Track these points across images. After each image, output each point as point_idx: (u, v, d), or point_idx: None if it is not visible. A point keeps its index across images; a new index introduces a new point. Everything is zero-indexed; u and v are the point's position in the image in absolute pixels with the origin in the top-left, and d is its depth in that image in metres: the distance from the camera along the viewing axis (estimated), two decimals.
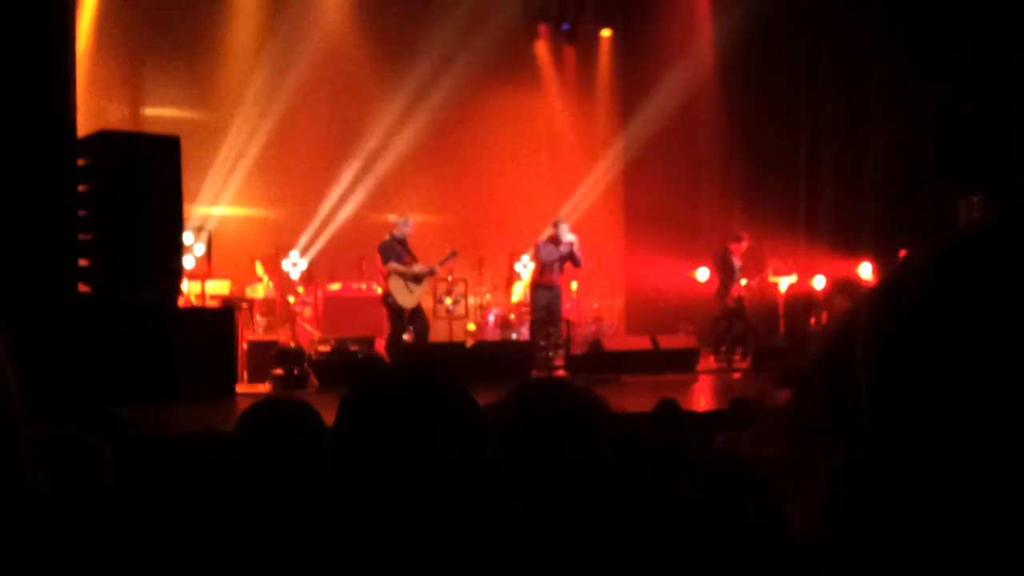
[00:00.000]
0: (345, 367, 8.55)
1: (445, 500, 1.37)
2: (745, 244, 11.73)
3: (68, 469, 2.38)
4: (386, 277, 10.17)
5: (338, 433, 1.50)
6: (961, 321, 0.62)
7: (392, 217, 10.96)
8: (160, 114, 11.89)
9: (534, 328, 10.83)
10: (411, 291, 10.27)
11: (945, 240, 0.66)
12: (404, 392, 1.48)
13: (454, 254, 10.74)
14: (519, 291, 12.73)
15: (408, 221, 10.59)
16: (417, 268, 10.31)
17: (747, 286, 11.66)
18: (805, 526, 0.73)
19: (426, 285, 10.57)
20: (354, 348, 9.04)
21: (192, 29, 12.15)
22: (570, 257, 10.91)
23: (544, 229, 12.88)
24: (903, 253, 9.68)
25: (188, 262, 9.42)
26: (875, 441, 0.66)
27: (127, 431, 3.07)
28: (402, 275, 10.24)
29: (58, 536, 0.79)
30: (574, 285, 11.48)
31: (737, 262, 11.63)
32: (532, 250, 11.32)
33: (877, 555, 0.67)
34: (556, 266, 10.92)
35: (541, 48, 14.81)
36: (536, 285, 11.07)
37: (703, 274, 12.98)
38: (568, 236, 10.84)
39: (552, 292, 10.92)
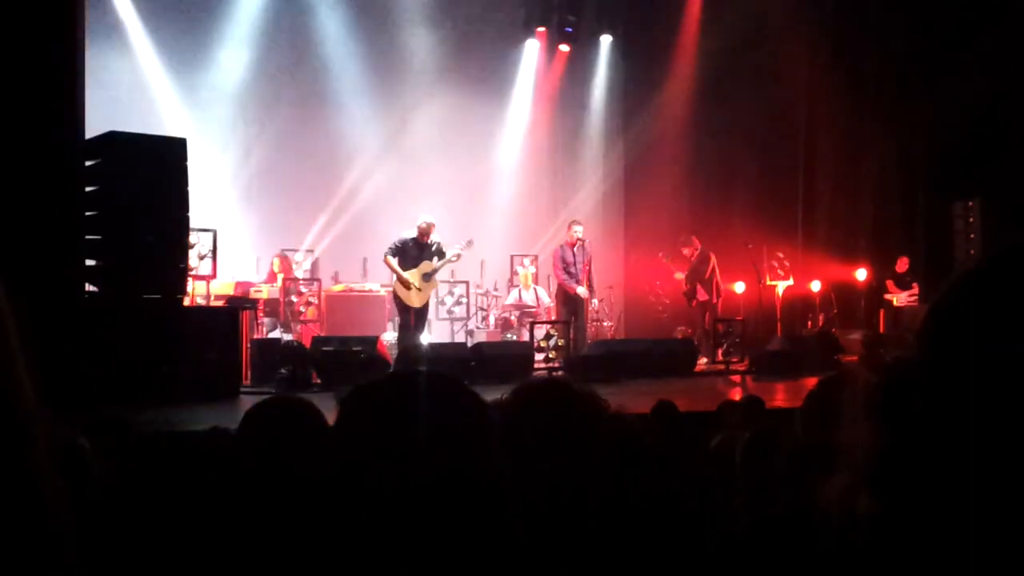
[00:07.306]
0: (348, 367, 8.56)
1: (447, 503, 1.38)
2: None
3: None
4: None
5: (338, 434, 1.50)
6: (993, 327, 0.71)
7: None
8: None
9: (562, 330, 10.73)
10: (407, 288, 10.20)
11: (977, 262, 0.76)
12: (405, 394, 1.48)
13: (470, 243, 10.59)
14: (514, 294, 12.73)
15: (421, 219, 10.44)
16: (407, 273, 10.23)
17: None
18: (835, 508, 0.77)
19: (423, 288, 10.37)
20: (357, 348, 9.04)
21: None
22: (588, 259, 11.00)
23: (544, 230, 12.90)
24: (903, 259, 9.62)
25: (193, 262, 9.45)
26: (913, 433, 0.71)
27: (131, 431, 3.08)
28: (394, 272, 10.23)
29: (71, 538, 0.80)
30: (582, 291, 11.49)
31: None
32: (552, 256, 11.33)
33: (902, 537, 0.71)
34: (580, 268, 10.96)
35: (541, 52, 14.82)
36: (562, 289, 11.12)
37: None
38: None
39: (577, 295, 10.95)
